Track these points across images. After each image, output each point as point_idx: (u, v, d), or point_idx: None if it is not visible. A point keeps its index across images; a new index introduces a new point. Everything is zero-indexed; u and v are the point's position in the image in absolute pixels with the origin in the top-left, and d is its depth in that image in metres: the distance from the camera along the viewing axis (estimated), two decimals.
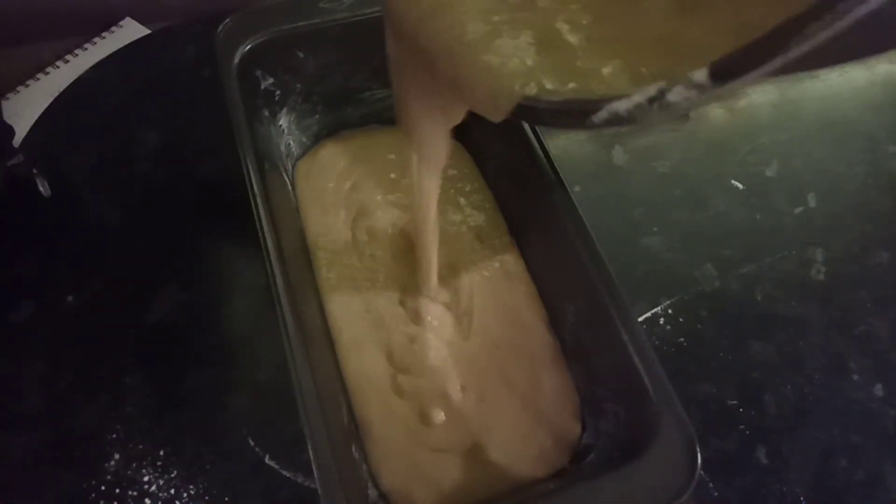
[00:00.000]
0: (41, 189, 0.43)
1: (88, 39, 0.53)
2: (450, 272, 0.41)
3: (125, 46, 0.52)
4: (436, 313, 0.39)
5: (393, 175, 0.45)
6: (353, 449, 0.33)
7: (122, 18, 0.55)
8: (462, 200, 0.44)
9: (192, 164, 0.46)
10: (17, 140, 0.47)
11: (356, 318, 0.38)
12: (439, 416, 0.35)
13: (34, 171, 0.43)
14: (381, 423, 0.35)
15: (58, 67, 0.52)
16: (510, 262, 0.41)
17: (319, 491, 0.27)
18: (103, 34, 0.54)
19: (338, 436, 0.31)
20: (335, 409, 0.33)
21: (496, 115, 0.24)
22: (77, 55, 0.52)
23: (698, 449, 0.28)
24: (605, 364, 0.35)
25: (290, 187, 0.44)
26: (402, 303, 0.39)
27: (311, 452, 0.28)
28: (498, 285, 0.40)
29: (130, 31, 0.54)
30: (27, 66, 0.51)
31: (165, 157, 0.47)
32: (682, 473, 0.28)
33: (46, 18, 0.53)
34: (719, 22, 0.19)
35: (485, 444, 0.34)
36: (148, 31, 0.54)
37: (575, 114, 0.21)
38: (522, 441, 0.35)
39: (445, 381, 0.36)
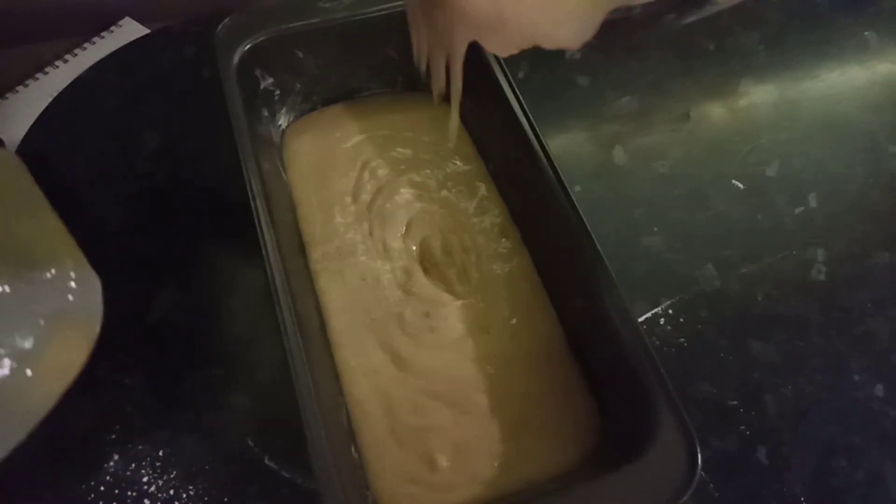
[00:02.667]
0: None
1: (88, 39, 0.53)
2: (469, 269, 0.40)
3: (124, 46, 0.52)
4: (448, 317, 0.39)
5: (387, 131, 0.46)
6: (353, 451, 0.33)
7: (121, 18, 0.55)
8: (480, 199, 0.44)
9: (191, 164, 0.46)
10: (16, 139, 0.46)
11: (355, 340, 0.37)
12: (444, 462, 0.34)
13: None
14: (377, 460, 0.34)
15: (57, 67, 0.52)
16: (524, 263, 0.41)
17: (320, 491, 0.27)
18: (102, 34, 0.54)
19: (337, 437, 0.31)
20: (334, 410, 0.33)
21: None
22: (76, 55, 0.52)
23: (699, 449, 0.28)
24: (606, 364, 0.35)
25: (289, 187, 0.44)
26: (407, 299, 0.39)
27: (310, 453, 0.28)
28: (514, 285, 0.40)
29: (129, 30, 0.54)
30: (27, 65, 0.51)
31: (165, 156, 0.46)
32: (683, 474, 0.28)
33: (46, 18, 0.52)
34: None
35: (496, 475, 0.34)
36: (147, 31, 0.54)
37: None
38: (537, 462, 0.34)
39: (452, 431, 0.35)
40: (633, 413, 0.32)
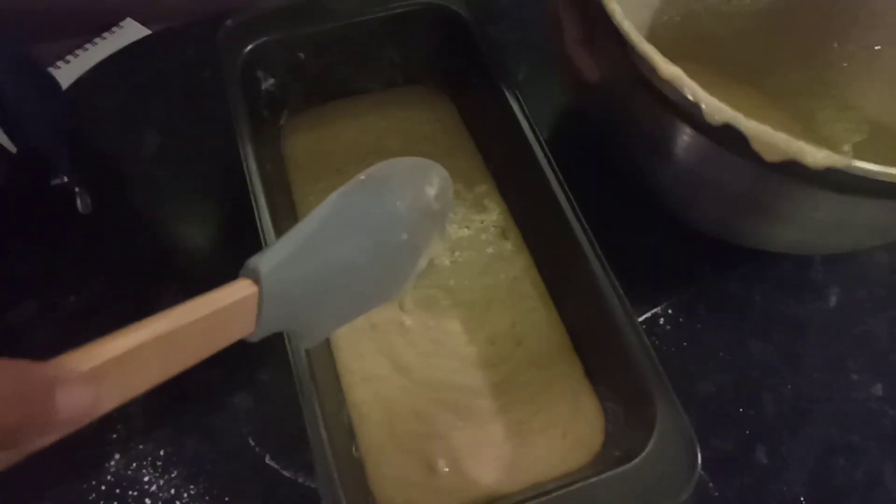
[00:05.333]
0: (79, 206, 0.42)
1: (89, 40, 0.54)
2: (473, 270, 0.40)
3: (126, 47, 0.52)
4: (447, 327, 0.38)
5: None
6: (354, 449, 0.33)
7: (122, 19, 0.55)
8: (479, 196, 0.44)
9: (192, 165, 0.46)
10: None
11: (354, 344, 0.37)
12: (444, 466, 0.34)
13: (76, 189, 0.43)
14: (376, 464, 0.34)
15: (58, 68, 0.52)
16: (527, 265, 0.41)
17: (319, 491, 0.27)
18: (104, 35, 0.54)
19: (338, 437, 0.31)
20: (336, 409, 0.33)
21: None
22: (77, 56, 0.53)
23: (698, 449, 0.28)
24: (606, 364, 0.35)
25: (290, 185, 0.44)
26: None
27: (312, 453, 0.28)
28: (518, 289, 0.40)
29: (131, 31, 0.54)
30: None
31: (166, 157, 0.47)
32: (682, 474, 0.28)
33: (46, 18, 0.53)
34: None
35: (498, 479, 0.33)
36: (148, 32, 0.54)
37: None
38: (540, 466, 0.34)
39: (454, 437, 0.35)
40: (634, 413, 0.32)
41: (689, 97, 0.28)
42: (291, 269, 0.22)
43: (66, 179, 0.42)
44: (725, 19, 0.46)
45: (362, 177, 0.25)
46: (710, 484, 0.35)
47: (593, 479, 0.28)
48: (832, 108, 0.45)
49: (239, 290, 0.21)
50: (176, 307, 0.20)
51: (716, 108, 0.28)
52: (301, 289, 0.23)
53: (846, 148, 0.44)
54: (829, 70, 0.45)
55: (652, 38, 0.30)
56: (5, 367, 0.17)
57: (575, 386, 0.36)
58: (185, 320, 0.20)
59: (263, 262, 0.22)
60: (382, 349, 0.37)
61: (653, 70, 0.29)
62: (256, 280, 0.22)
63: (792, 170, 0.27)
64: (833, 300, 0.42)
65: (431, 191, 0.26)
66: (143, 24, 0.55)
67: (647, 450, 0.28)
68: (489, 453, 0.34)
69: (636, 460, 0.28)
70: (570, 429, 0.35)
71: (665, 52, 0.29)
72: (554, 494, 0.28)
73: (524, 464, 0.34)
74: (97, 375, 0.18)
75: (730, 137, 0.28)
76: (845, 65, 0.44)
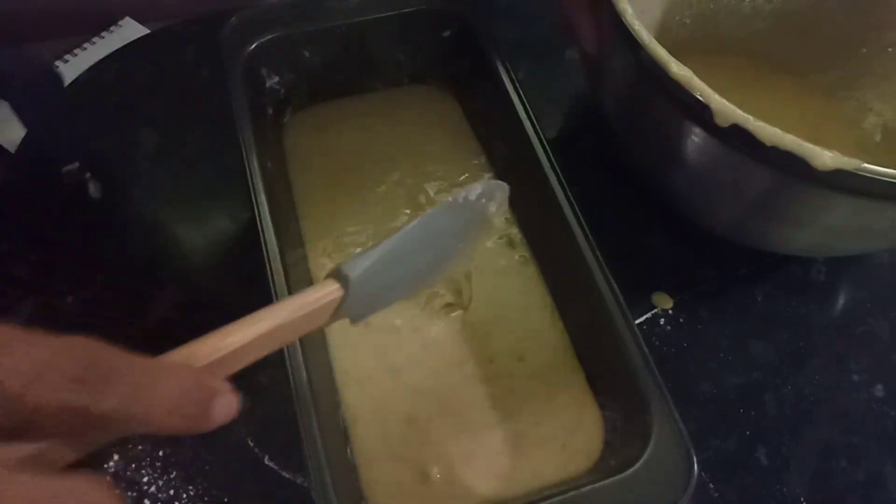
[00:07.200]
0: (91, 191, 0.43)
1: (88, 39, 0.54)
2: (474, 276, 0.40)
3: (124, 46, 0.52)
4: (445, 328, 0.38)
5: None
6: (348, 451, 0.33)
7: (121, 18, 0.55)
8: None
9: (191, 163, 0.46)
10: (17, 140, 0.46)
11: (349, 343, 0.37)
12: (437, 474, 0.33)
13: (88, 175, 0.43)
14: (367, 468, 0.33)
15: (57, 67, 0.52)
16: (531, 272, 0.40)
17: (312, 491, 0.27)
18: (102, 34, 0.54)
19: (332, 439, 0.31)
20: (332, 411, 0.33)
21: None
22: (76, 55, 0.53)
23: (695, 460, 0.28)
24: (606, 373, 0.35)
25: (291, 183, 0.44)
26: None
27: (304, 452, 0.28)
28: (524, 293, 0.39)
29: (130, 30, 0.54)
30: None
31: (165, 156, 0.46)
32: (678, 484, 0.28)
33: (46, 18, 0.52)
34: None
35: (493, 488, 0.33)
36: (147, 31, 0.54)
37: None
38: (537, 476, 0.33)
39: (448, 445, 0.34)
40: (631, 423, 0.31)
41: (699, 98, 0.28)
42: (373, 274, 0.25)
43: (77, 165, 0.42)
44: (742, 19, 0.45)
45: (450, 199, 0.28)
46: (711, 485, 0.35)
47: (589, 487, 0.28)
48: (852, 110, 0.45)
49: (329, 294, 0.24)
50: (275, 305, 0.23)
51: (725, 109, 0.28)
52: (373, 288, 0.26)
53: (876, 139, 0.43)
54: (850, 71, 0.45)
55: (668, 36, 0.29)
56: (175, 371, 0.19)
57: (578, 397, 0.36)
58: (286, 319, 0.23)
59: (354, 268, 0.24)
60: (377, 349, 0.37)
61: (663, 71, 0.29)
62: (345, 284, 0.24)
63: (803, 172, 0.27)
64: (834, 301, 0.42)
65: (493, 206, 0.29)
66: (142, 23, 0.55)
67: (643, 459, 0.28)
68: (484, 463, 0.34)
69: (632, 469, 0.28)
70: (570, 440, 0.34)
71: (685, 47, 0.29)
72: (549, 502, 0.28)
73: (520, 474, 0.33)
74: (214, 367, 0.22)
75: (741, 139, 0.28)
76: (866, 66, 0.44)
